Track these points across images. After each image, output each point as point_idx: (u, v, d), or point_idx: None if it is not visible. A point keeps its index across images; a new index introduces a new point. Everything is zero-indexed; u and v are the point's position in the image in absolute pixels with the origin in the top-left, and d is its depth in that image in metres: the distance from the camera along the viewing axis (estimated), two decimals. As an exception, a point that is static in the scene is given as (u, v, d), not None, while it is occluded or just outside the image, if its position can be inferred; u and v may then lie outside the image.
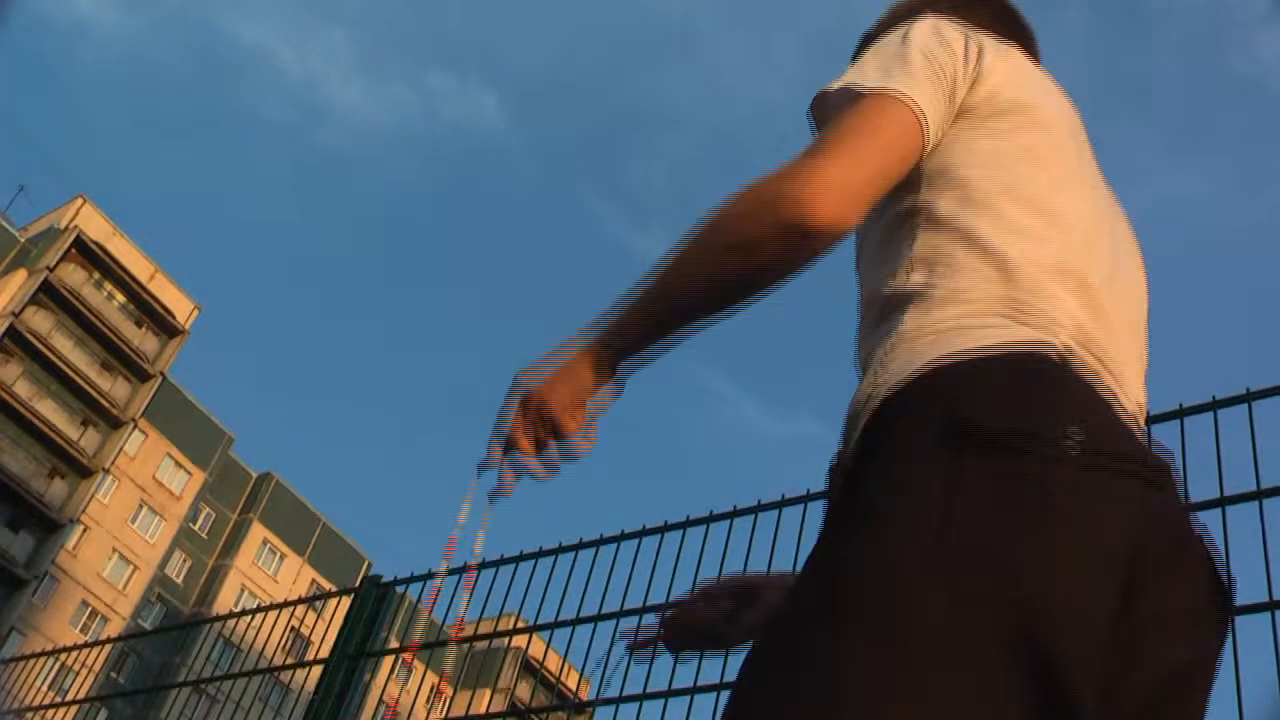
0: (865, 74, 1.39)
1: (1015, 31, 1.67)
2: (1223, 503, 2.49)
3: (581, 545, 3.57)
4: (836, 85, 1.42)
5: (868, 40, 1.74)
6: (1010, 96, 1.42)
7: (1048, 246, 1.32)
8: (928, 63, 1.39)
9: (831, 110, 1.40)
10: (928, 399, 1.18)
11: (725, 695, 3.02)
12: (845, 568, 1.10)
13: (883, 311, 1.35)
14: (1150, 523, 1.13)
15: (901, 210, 1.39)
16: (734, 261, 1.31)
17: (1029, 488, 1.08)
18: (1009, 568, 1.05)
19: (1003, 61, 1.45)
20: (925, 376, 1.20)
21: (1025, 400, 1.15)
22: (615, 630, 3.32)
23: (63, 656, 5.62)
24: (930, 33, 1.44)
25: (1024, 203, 1.35)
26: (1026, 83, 1.46)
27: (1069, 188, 1.40)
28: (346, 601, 4.18)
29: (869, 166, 1.31)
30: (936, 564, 1.05)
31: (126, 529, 53.02)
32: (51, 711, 5.44)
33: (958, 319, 1.25)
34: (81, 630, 49.48)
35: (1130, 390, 1.32)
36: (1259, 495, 2.48)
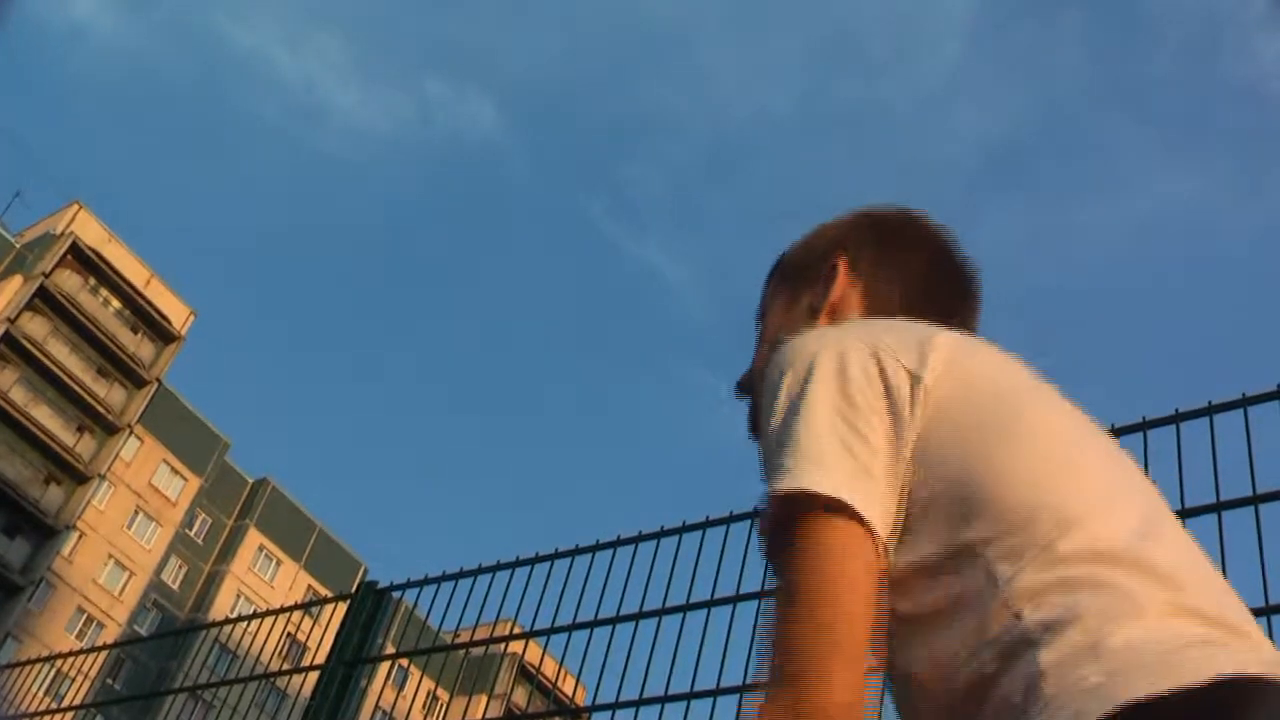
0: (785, 471, 1.16)
1: (951, 282, 1.50)
2: (1219, 508, 2.50)
3: (578, 551, 3.57)
4: (768, 472, 1.19)
5: (785, 270, 1.57)
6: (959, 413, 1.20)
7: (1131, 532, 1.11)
8: (852, 426, 1.19)
9: (763, 515, 1.19)
10: None
11: (722, 700, 3.03)
12: None
13: (988, 676, 1.07)
14: None
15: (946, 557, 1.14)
16: None
17: None
18: None
19: (933, 369, 1.22)
20: None
21: None
22: (611, 636, 3.33)
23: (59, 663, 5.61)
24: (835, 376, 1.22)
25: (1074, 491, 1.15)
26: (966, 377, 1.23)
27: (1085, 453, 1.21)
28: (343, 607, 4.18)
29: (855, 667, 1.08)
30: None
31: (122, 535, 52.98)
32: (48, 718, 5.44)
33: (1144, 640, 1.00)
34: (77, 636, 49.41)
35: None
36: (1254, 500, 2.48)
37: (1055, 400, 1.26)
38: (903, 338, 1.25)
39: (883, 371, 1.21)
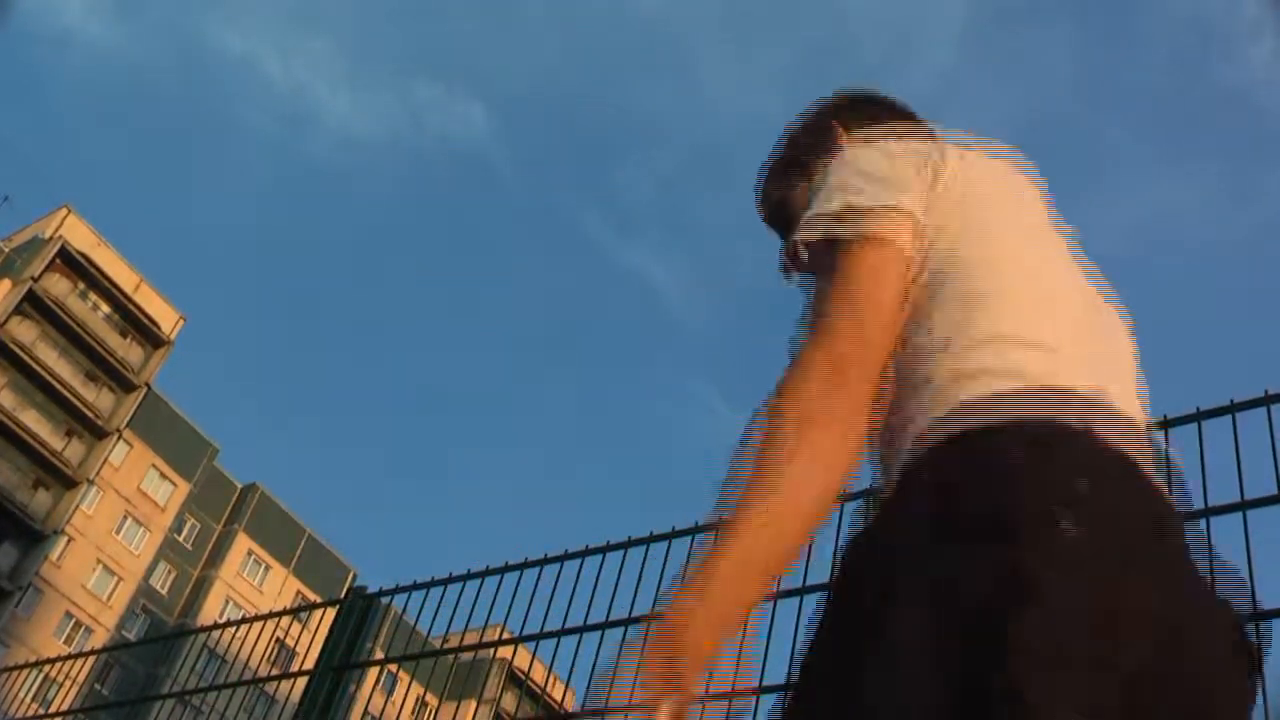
0: (827, 218, 1.45)
1: (920, 126, 1.78)
2: (1244, 507, 2.49)
3: (567, 556, 3.57)
4: (809, 227, 1.47)
5: (784, 163, 1.84)
6: (957, 195, 1.47)
7: (1034, 291, 1.40)
8: (886, 182, 1.46)
9: (812, 260, 1.47)
10: (939, 469, 1.24)
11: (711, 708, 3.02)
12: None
13: (912, 366, 1.38)
14: (1152, 603, 1.12)
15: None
16: (821, 516, 1.37)
17: (1024, 575, 1.09)
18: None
19: (948, 163, 1.50)
20: (945, 443, 1.27)
21: (1024, 476, 1.17)
22: (601, 641, 3.33)
23: (47, 668, 5.59)
24: (875, 153, 1.52)
25: (1003, 262, 1.42)
26: (967, 174, 1.51)
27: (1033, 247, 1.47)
28: (332, 613, 4.17)
29: (876, 345, 1.37)
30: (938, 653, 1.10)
31: (111, 540, 52.82)
32: (35, 723, 5.41)
33: (978, 368, 1.31)
34: (65, 642, 49.25)
35: (1132, 410, 1.36)
36: (1243, 506, 2.48)
37: (1033, 220, 1.52)
38: (931, 144, 1.53)
39: (917, 155, 1.50)
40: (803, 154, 1.80)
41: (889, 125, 1.75)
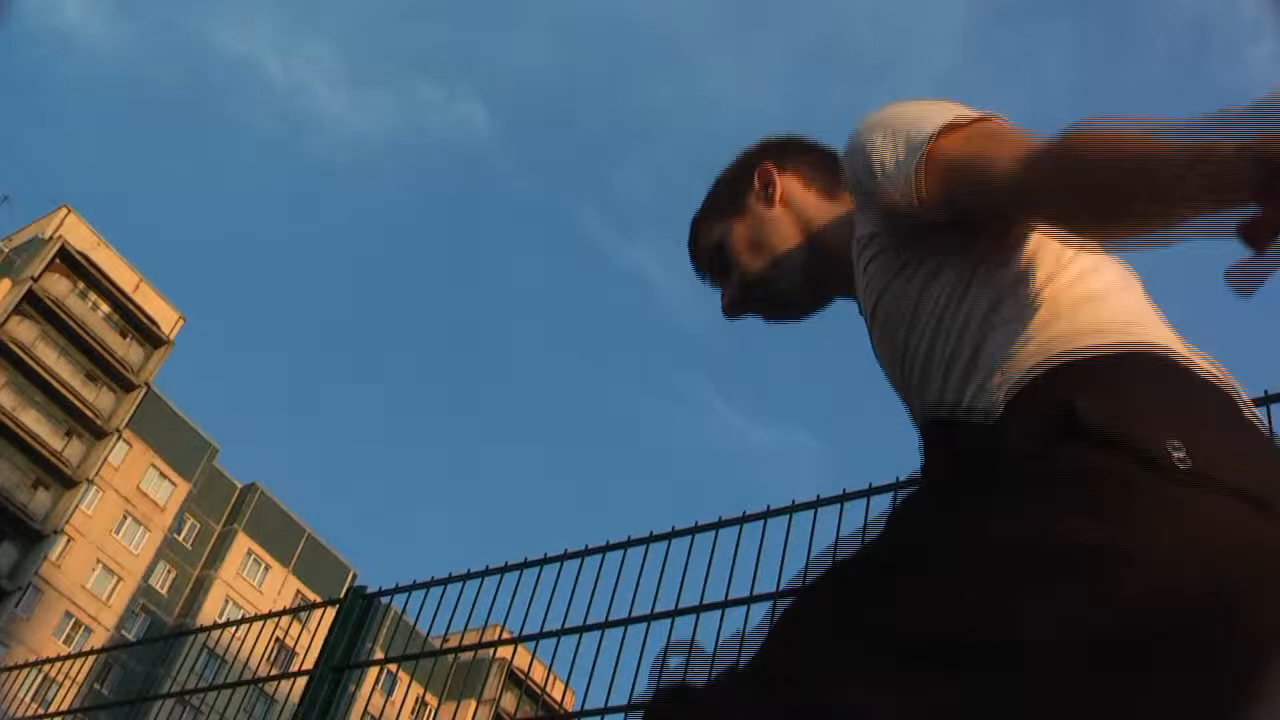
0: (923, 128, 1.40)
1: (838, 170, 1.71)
2: None
3: (567, 556, 3.56)
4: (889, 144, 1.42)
5: (714, 205, 1.82)
6: None
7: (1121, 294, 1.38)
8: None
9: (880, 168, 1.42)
10: (1050, 393, 1.20)
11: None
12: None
13: (980, 334, 1.35)
14: (1250, 553, 1.07)
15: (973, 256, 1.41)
16: None
17: (1131, 500, 1.08)
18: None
19: None
20: (1049, 372, 1.23)
21: (1142, 404, 1.16)
22: (600, 641, 3.33)
23: (46, 668, 5.59)
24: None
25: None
26: None
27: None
28: (331, 612, 4.17)
29: None
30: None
31: (111, 540, 52.83)
32: (35, 723, 5.41)
33: (1072, 327, 1.29)
34: (65, 642, 49.26)
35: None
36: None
37: None
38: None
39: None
40: (734, 192, 1.79)
41: (823, 164, 1.76)
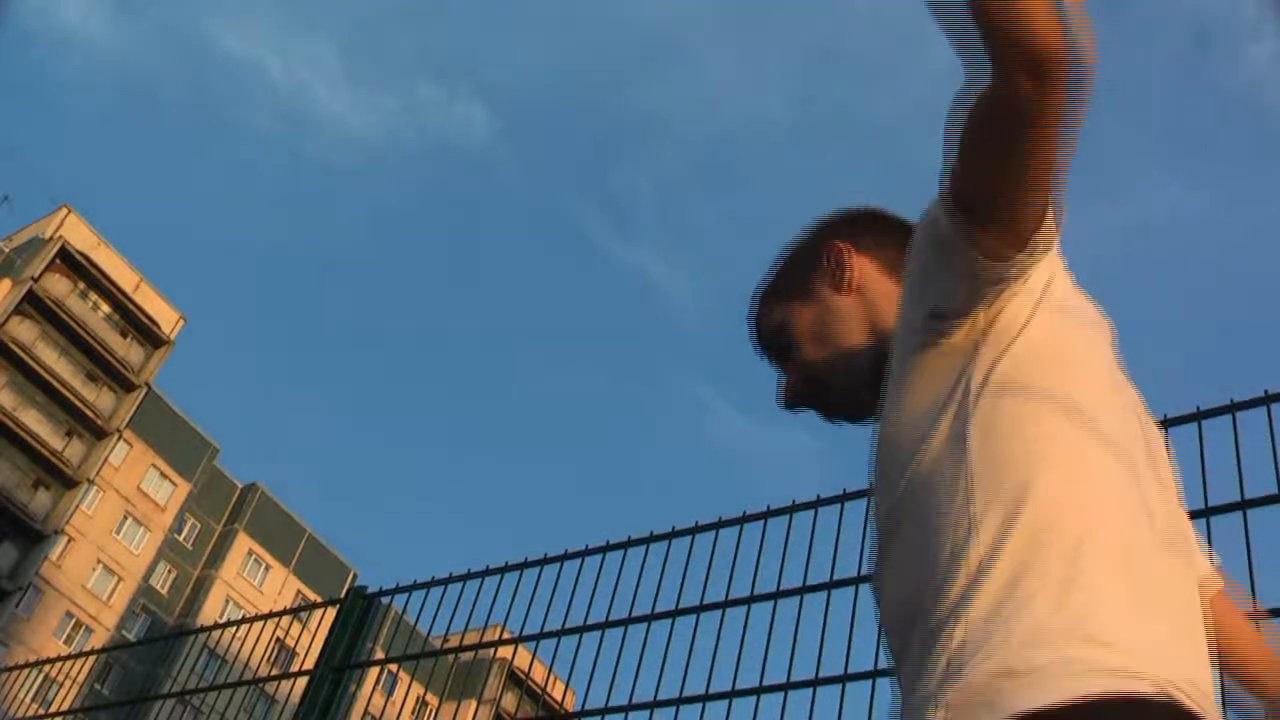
0: None
1: None
2: (1244, 506, 2.49)
3: (567, 556, 3.57)
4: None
5: (782, 283, 1.65)
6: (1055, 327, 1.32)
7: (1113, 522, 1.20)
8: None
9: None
10: None
11: (711, 706, 3.03)
12: None
13: (944, 566, 1.19)
14: None
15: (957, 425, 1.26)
16: None
17: None
18: None
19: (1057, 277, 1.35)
20: None
21: None
22: (601, 641, 3.33)
23: (47, 668, 5.59)
24: None
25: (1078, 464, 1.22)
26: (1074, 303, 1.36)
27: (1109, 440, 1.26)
28: (332, 612, 4.17)
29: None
30: None
31: (111, 540, 52.83)
32: (35, 723, 5.41)
33: (1031, 645, 1.10)
34: (65, 641, 49.28)
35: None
36: (1243, 506, 2.48)
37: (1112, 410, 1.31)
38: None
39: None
40: (802, 273, 1.61)
41: (898, 244, 1.54)
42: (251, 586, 57.25)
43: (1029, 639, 1.10)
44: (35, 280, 48.38)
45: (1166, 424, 2.62)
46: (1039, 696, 1.05)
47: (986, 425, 1.24)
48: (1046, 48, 1.12)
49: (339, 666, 3.97)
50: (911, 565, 1.24)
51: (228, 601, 55.84)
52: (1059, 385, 1.26)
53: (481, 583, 3.75)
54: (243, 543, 57.77)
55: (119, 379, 51.86)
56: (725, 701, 3.00)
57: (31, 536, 48.01)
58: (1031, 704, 1.05)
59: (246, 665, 5.20)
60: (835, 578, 2.97)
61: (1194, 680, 1.12)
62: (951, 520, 1.21)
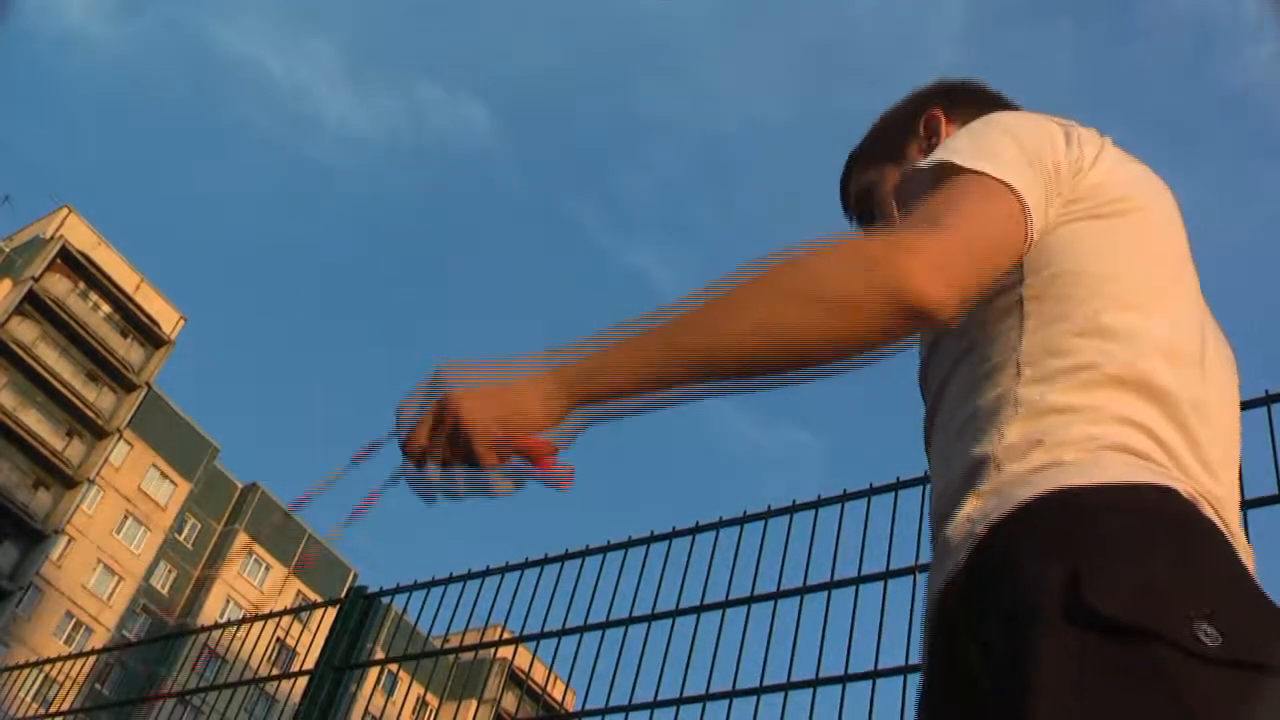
0: (960, 153, 1.28)
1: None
2: (1244, 507, 2.49)
3: (567, 556, 3.57)
4: (927, 163, 1.31)
5: (874, 147, 1.68)
6: (1117, 193, 1.32)
7: (1150, 357, 1.23)
8: (1025, 151, 1.29)
9: (920, 187, 1.29)
10: (1051, 545, 1.08)
11: (711, 706, 3.03)
12: None
13: (985, 417, 1.23)
14: None
15: (1000, 306, 1.28)
16: (825, 318, 1.16)
17: (1159, 688, 0.97)
18: None
19: (1106, 153, 1.35)
20: (1046, 515, 1.11)
21: (1157, 572, 1.04)
22: (601, 641, 3.33)
23: (47, 668, 5.59)
24: (1025, 120, 1.36)
25: (1129, 305, 1.26)
26: (1131, 176, 1.37)
27: (1173, 289, 1.32)
28: (332, 612, 4.17)
29: (976, 255, 1.20)
30: None
31: (111, 540, 52.83)
32: (35, 723, 5.42)
33: (1077, 443, 1.16)
34: (66, 641, 49.26)
35: (1237, 529, 1.21)
36: (1242, 506, 2.49)
37: (1182, 251, 1.39)
38: (1089, 132, 1.37)
39: (1067, 135, 1.33)
40: (896, 138, 1.64)
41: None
42: (252, 586, 57.26)
43: (1069, 441, 1.16)
44: (36, 280, 48.39)
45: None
46: (1078, 478, 1.11)
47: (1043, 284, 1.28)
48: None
49: (339, 666, 3.97)
50: (966, 395, 1.29)
51: (228, 601, 55.85)
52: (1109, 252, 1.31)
53: (482, 583, 3.76)
54: (243, 543, 57.74)
55: (119, 379, 51.86)
56: (725, 701, 3.00)
57: (32, 536, 48.01)
58: (1070, 482, 1.11)
59: (247, 665, 5.20)
60: (835, 578, 2.97)
61: (1219, 498, 1.19)
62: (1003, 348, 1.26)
